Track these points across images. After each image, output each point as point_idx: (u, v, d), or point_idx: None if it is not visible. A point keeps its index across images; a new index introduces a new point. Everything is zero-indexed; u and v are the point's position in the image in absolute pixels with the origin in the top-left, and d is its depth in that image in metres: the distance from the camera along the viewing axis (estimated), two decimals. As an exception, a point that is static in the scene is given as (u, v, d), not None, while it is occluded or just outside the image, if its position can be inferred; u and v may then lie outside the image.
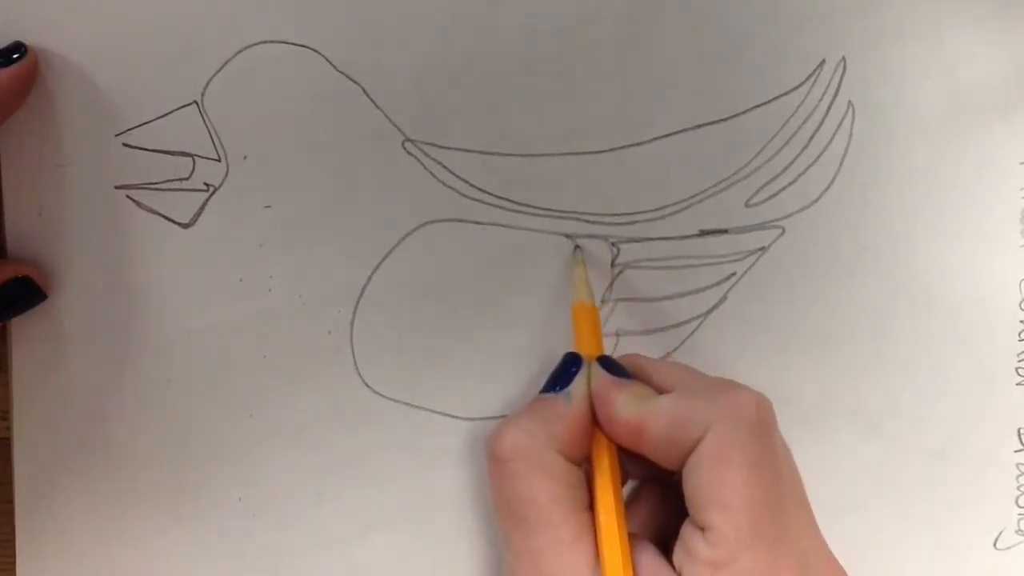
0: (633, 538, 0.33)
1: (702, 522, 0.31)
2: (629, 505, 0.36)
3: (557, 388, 0.35)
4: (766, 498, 0.31)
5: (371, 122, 0.38)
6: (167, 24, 0.37)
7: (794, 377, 0.40)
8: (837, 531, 0.40)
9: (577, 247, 0.39)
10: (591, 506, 0.33)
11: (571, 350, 0.37)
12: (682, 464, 0.32)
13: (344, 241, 0.38)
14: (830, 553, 0.34)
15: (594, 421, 0.35)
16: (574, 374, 0.35)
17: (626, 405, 0.33)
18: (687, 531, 0.32)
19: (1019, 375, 0.40)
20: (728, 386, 0.33)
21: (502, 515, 0.34)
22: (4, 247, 0.38)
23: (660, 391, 0.35)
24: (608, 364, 0.36)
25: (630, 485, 0.37)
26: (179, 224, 0.38)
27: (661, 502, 0.36)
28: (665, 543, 0.33)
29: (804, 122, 0.39)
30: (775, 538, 0.30)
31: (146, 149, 0.37)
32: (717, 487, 0.31)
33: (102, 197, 0.37)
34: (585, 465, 0.35)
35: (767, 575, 0.30)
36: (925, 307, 0.40)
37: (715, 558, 0.30)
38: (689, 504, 0.32)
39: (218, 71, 0.37)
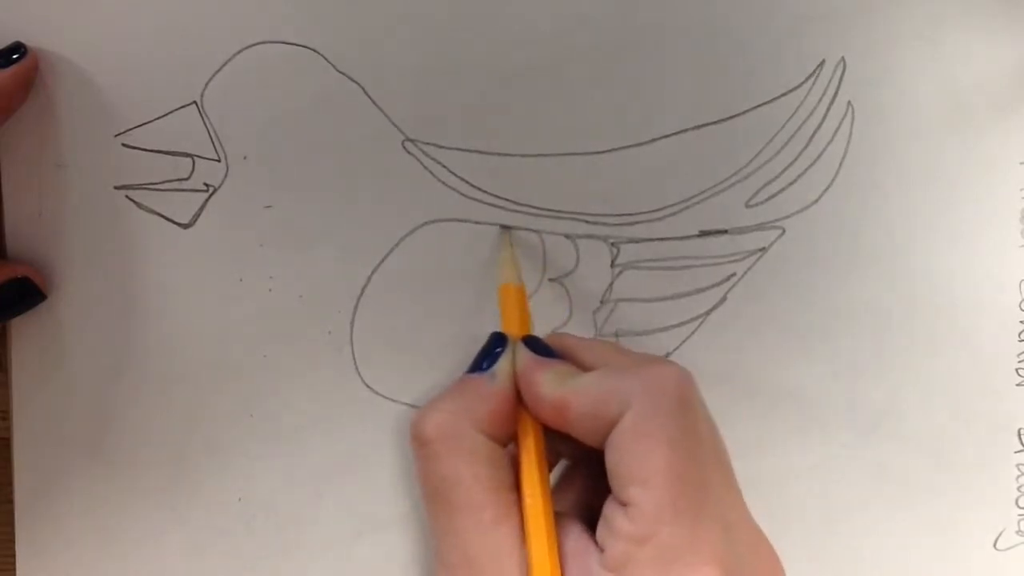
0: (560, 517, 0.33)
1: (623, 498, 0.31)
2: (560, 484, 0.36)
3: (482, 368, 0.35)
4: (686, 472, 0.30)
5: (371, 122, 0.38)
6: (167, 24, 0.37)
7: (794, 377, 0.40)
8: (837, 532, 0.41)
9: (506, 227, 0.39)
10: (517, 486, 0.33)
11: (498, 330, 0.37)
12: (605, 441, 0.32)
13: (344, 241, 0.38)
14: (755, 526, 0.33)
15: (519, 401, 0.35)
16: (499, 354, 0.35)
17: (550, 384, 0.33)
18: (609, 507, 0.31)
19: (1019, 375, 0.40)
20: (650, 362, 0.34)
21: (427, 497, 0.34)
22: (4, 247, 0.38)
23: (586, 369, 0.35)
24: (534, 344, 0.36)
25: (562, 465, 0.37)
26: (179, 224, 0.38)
27: (592, 481, 0.35)
28: (595, 521, 0.33)
29: (804, 123, 0.39)
30: (695, 512, 0.30)
31: (146, 149, 0.37)
32: (637, 463, 0.31)
33: (102, 197, 0.37)
34: (511, 445, 0.34)
35: (687, 549, 0.30)
36: (925, 307, 0.40)
37: (635, 533, 0.30)
38: (611, 481, 0.31)
39: (218, 71, 0.37)
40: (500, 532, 0.32)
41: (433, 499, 0.33)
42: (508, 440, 0.34)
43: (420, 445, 0.33)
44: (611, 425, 0.32)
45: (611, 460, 0.31)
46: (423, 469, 0.34)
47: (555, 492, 0.35)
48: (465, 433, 0.33)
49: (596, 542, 0.31)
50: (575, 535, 0.32)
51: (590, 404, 0.32)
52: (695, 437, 0.31)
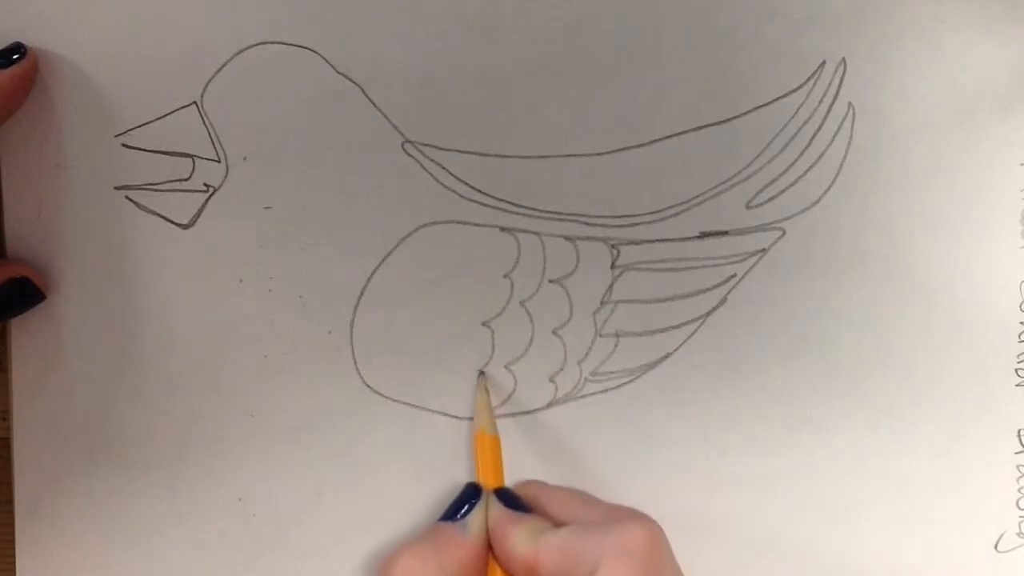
0: None
1: None
2: None
3: (455, 517, 0.36)
4: None
5: (370, 123, 0.38)
6: (167, 25, 0.37)
7: (794, 378, 0.40)
8: (836, 533, 0.41)
9: (481, 373, 0.39)
10: None
11: (473, 480, 0.38)
12: None
13: (344, 241, 0.38)
14: None
15: (490, 553, 0.35)
16: (473, 505, 0.37)
17: (521, 540, 0.34)
18: None
19: (1019, 376, 0.40)
20: (619, 518, 0.34)
21: None
22: (3, 247, 0.38)
23: (557, 521, 0.36)
24: (506, 497, 0.37)
25: None
26: (179, 225, 0.38)
27: None
28: None
29: (804, 123, 0.39)
30: None
31: (146, 150, 0.37)
32: None
33: (101, 198, 0.37)
34: None
35: None
36: (925, 308, 0.40)
37: None
38: None
39: (217, 72, 0.37)
40: None
41: None
42: None
43: None
44: None
45: None
46: None
47: None
48: None
49: None
50: None
51: (560, 562, 0.33)
52: None
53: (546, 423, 0.40)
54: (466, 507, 0.37)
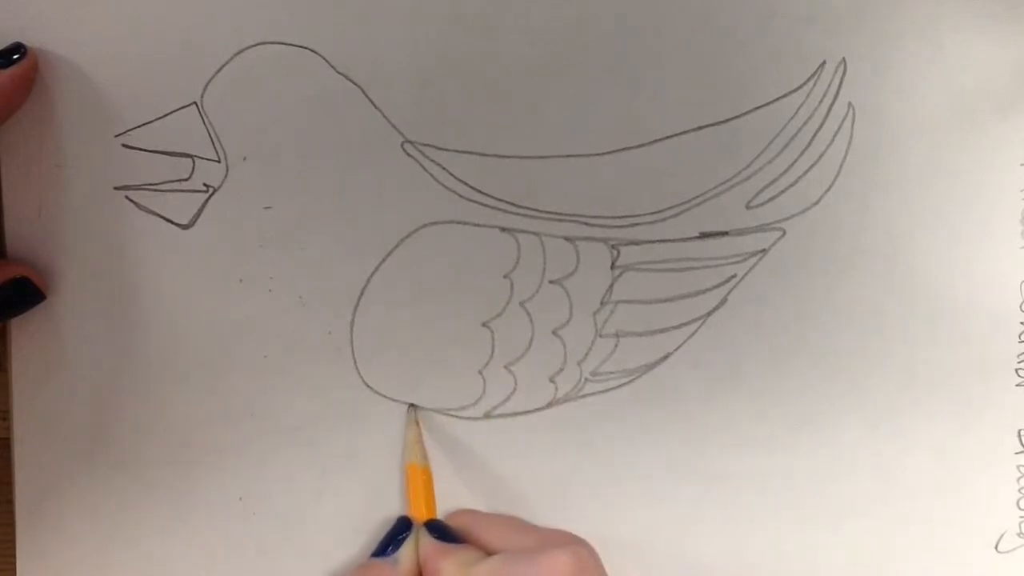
0: None
1: None
2: None
3: (387, 552, 0.37)
4: None
5: (370, 123, 0.38)
6: (167, 25, 0.37)
7: (794, 378, 0.40)
8: (836, 533, 0.41)
9: (411, 406, 0.39)
10: None
11: (404, 513, 0.39)
12: None
13: (344, 241, 0.38)
14: None
15: None
16: (404, 539, 0.37)
17: (451, 572, 0.35)
18: None
19: (1019, 376, 0.40)
20: (548, 547, 0.35)
21: None
22: (3, 247, 0.38)
23: (491, 550, 0.36)
24: (437, 529, 0.37)
25: None
26: (179, 225, 0.38)
27: None
28: None
29: (804, 124, 0.39)
30: None
31: (145, 150, 0.37)
32: None
33: (101, 198, 0.37)
34: None
35: None
36: (925, 308, 0.40)
37: None
38: None
39: (217, 72, 0.37)
40: None
41: None
42: None
43: None
44: None
45: None
46: None
47: None
48: None
49: None
50: None
51: None
52: None
53: (546, 423, 0.40)
54: (396, 541, 0.37)
